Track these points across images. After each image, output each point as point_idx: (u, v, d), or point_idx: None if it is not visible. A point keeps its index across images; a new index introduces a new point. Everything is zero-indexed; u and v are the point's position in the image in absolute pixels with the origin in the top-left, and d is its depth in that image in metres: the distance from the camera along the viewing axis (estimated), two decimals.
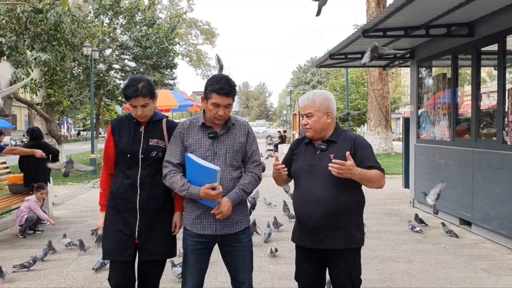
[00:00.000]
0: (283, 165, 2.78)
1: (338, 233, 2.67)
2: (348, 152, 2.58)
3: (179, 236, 2.99)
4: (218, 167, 2.65)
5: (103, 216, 3.02)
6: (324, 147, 2.75)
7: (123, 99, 16.80)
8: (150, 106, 2.91)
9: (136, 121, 2.96)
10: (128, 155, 2.89)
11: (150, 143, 2.92)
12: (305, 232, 2.73)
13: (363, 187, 2.76)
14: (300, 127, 3.00)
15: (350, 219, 2.71)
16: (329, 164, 2.56)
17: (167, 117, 3.10)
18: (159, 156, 2.91)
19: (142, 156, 2.89)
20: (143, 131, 2.94)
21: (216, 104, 2.72)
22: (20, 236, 6.37)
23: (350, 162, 2.54)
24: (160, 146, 2.94)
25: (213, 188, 2.64)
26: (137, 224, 2.88)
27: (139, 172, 2.89)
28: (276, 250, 5.21)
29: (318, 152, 2.76)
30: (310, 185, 2.70)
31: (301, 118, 2.83)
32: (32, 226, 6.54)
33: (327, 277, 2.93)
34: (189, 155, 2.75)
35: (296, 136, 22.45)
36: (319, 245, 2.71)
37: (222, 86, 2.71)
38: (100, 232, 3.08)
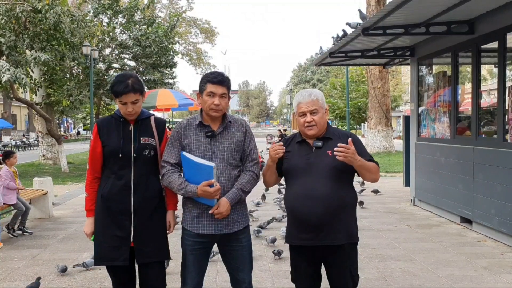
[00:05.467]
0: (281, 143, 2.77)
1: (339, 229, 2.70)
2: (350, 139, 2.66)
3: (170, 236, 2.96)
4: (213, 163, 2.64)
5: (91, 222, 2.87)
6: (320, 144, 2.76)
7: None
8: (140, 102, 2.80)
9: (124, 120, 2.84)
10: (120, 155, 2.77)
11: (142, 141, 2.83)
12: (306, 231, 2.71)
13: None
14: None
15: (348, 214, 2.77)
16: (335, 149, 2.61)
17: (153, 114, 3.02)
18: (151, 154, 2.85)
19: (135, 155, 2.80)
20: (132, 130, 2.83)
21: (211, 92, 2.74)
22: (9, 234, 6.33)
23: (353, 147, 2.63)
24: (151, 144, 2.86)
25: (211, 185, 2.62)
26: (132, 227, 2.79)
27: (132, 172, 2.81)
28: (280, 252, 5.08)
29: (313, 150, 2.76)
30: (310, 183, 2.70)
31: (299, 116, 2.78)
32: (20, 227, 6.52)
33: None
34: (184, 153, 2.73)
35: None
36: (321, 242, 2.70)
37: (215, 75, 2.79)
38: (90, 238, 2.90)
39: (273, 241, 5.55)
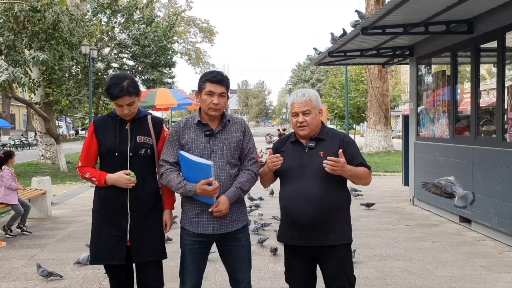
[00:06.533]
0: (278, 154, 2.75)
1: (330, 230, 2.69)
2: (341, 150, 2.65)
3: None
4: (211, 162, 2.64)
5: (115, 176, 2.74)
6: (313, 145, 2.76)
7: None
8: (136, 103, 2.79)
9: (120, 119, 2.85)
10: (116, 154, 2.78)
11: (138, 141, 2.82)
12: (297, 231, 2.71)
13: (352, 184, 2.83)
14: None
15: (340, 215, 2.76)
16: (324, 161, 2.60)
17: (150, 113, 3.01)
18: (147, 153, 2.84)
19: (131, 154, 2.79)
20: (129, 129, 2.83)
21: (210, 92, 2.73)
22: (6, 235, 6.31)
23: (343, 159, 2.61)
24: (148, 143, 2.85)
25: (209, 184, 2.62)
26: (128, 226, 2.79)
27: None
28: (275, 249, 5.18)
29: (306, 150, 2.76)
30: (301, 183, 2.70)
31: (292, 116, 2.79)
32: (20, 225, 6.50)
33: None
34: (182, 152, 2.72)
35: None
36: (312, 243, 2.70)
37: (214, 74, 2.78)
38: (131, 176, 2.74)
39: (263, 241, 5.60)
